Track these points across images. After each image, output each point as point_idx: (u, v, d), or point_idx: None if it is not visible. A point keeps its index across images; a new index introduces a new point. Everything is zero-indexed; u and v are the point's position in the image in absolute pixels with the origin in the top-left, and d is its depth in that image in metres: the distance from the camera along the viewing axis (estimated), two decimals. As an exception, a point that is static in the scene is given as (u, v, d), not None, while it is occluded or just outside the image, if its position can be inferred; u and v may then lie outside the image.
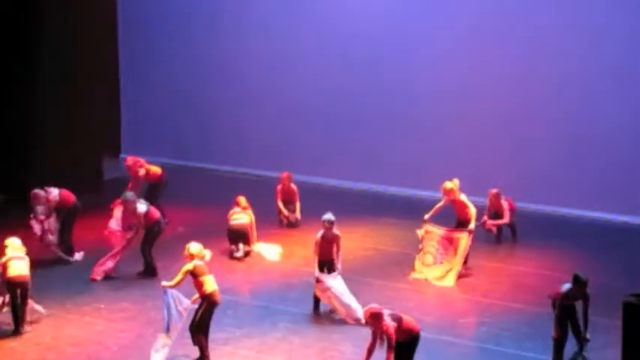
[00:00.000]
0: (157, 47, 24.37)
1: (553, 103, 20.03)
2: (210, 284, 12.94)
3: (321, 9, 22.37)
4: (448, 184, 16.58)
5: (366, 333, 13.89)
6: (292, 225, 18.91)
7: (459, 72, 20.76)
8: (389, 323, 11.74)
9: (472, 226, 16.28)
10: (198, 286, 12.90)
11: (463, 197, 16.50)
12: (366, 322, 11.94)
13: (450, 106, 20.91)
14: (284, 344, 13.67)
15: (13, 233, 18.63)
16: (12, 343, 13.78)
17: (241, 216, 17.56)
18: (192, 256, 12.98)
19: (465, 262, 16.57)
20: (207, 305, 12.90)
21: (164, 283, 13.15)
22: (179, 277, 12.96)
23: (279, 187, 19.07)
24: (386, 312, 11.87)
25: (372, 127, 21.84)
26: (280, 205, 19.04)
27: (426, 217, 16.55)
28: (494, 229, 17.86)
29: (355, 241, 18.12)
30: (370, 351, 11.87)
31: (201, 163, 23.77)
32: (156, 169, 19.27)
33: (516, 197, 18.34)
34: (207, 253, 13.22)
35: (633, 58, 19.25)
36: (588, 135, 19.71)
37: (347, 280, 15.94)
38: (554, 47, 19.88)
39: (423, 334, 13.76)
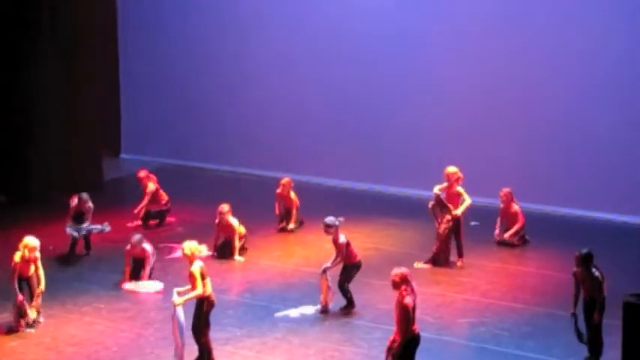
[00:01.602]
0: (156, 47, 24.36)
1: (553, 102, 20.03)
2: (209, 286, 12.92)
3: (321, 9, 22.36)
4: (451, 168, 16.68)
5: (365, 333, 13.97)
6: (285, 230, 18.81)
7: (459, 73, 20.75)
8: (409, 297, 11.57)
9: (458, 211, 16.52)
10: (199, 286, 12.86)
11: (460, 189, 16.62)
12: (393, 283, 11.71)
13: (451, 107, 20.91)
14: (284, 344, 13.67)
15: (13, 233, 18.73)
16: (12, 343, 13.78)
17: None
18: (191, 255, 12.90)
19: (461, 256, 16.76)
20: (208, 306, 12.88)
21: (178, 300, 12.71)
22: (199, 281, 12.65)
23: (277, 190, 18.99)
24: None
25: (372, 127, 21.83)
26: (277, 210, 18.93)
27: (437, 189, 16.75)
28: (515, 240, 17.86)
29: (356, 241, 17.98)
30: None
31: (201, 163, 23.76)
32: (163, 194, 19.18)
33: (516, 197, 18.32)
34: (203, 248, 13.15)
35: (633, 57, 19.24)
36: (588, 135, 19.70)
37: (347, 280, 16.06)
38: (554, 46, 19.88)
39: (423, 334, 13.79)
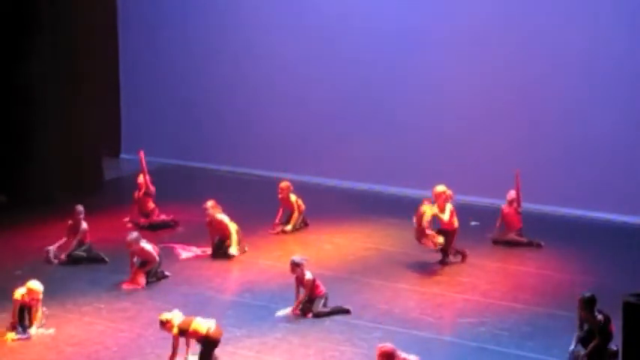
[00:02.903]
0: (157, 47, 24.36)
1: (553, 102, 20.02)
2: (202, 326, 12.72)
3: (322, 9, 22.36)
4: (439, 187, 16.66)
5: (365, 333, 13.96)
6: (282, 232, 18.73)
7: (459, 72, 20.74)
8: None
9: (439, 240, 16.42)
10: (192, 336, 12.72)
11: (449, 206, 16.56)
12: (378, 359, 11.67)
13: (451, 106, 20.90)
14: (284, 344, 13.66)
15: (13, 234, 18.70)
16: (12, 343, 13.77)
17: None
18: (169, 323, 12.70)
19: (464, 257, 16.78)
20: (209, 346, 12.71)
21: None
22: (174, 345, 12.61)
23: (279, 196, 18.85)
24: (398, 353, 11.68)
25: (372, 127, 21.82)
26: (279, 214, 18.84)
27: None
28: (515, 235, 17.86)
29: (356, 241, 18.12)
30: None
31: (201, 163, 23.75)
32: (150, 203, 19.15)
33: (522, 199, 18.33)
34: (178, 314, 12.93)
35: (633, 57, 19.23)
36: (588, 135, 19.69)
37: (347, 280, 16.03)
38: (553, 46, 19.87)
39: (423, 334, 13.82)
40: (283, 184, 18.82)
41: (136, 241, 15.94)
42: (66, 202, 18.56)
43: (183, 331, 12.68)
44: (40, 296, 14.09)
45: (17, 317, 14.00)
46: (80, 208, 17.10)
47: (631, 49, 19.23)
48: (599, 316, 12.55)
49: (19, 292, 14.07)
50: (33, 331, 14.00)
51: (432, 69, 21.13)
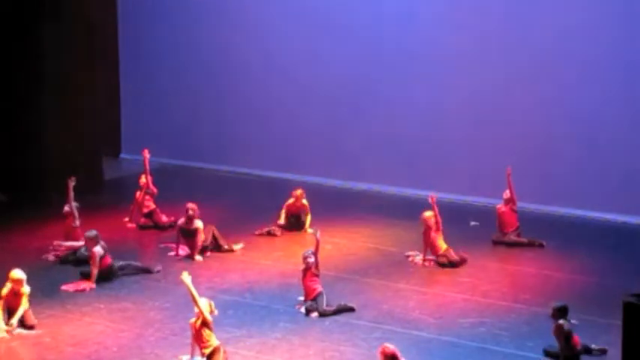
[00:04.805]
0: (157, 48, 24.35)
1: (553, 102, 20.03)
2: (215, 339, 12.68)
3: (321, 9, 22.35)
4: (427, 213, 16.71)
5: (365, 333, 13.96)
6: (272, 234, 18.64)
7: (458, 73, 20.74)
8: None
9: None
10: (207, 338, 12.64)
11: (434, 233, 16.64)
12: (384, 356, 11.61)
13: (450, 106, 20.90)
14: (284, 344, 13.66)
15: (13, 233, 18.69)
16: (12, 343, 13.78)
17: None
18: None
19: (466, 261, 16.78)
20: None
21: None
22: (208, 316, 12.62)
23: (289, 201, 18.71)
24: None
25: (372, 127, 21.82)
26: (283, 219, 18.75)
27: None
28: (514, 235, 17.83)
29: (356, 241, 18.11)
30: None
31: (201, 163, 23.75)
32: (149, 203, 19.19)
33: (516, 197, 18.31)
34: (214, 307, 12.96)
35: (633, 57, 19.23)
36: (588, 135, 19.70)
37: (347, 280, 16.04)
38: (554, 46, 19.88)
39: (423, 334, 13.82)
40: (298, 192, 18.72)
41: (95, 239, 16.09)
42: (64, 202, 18.56)
43: (209, 326, 12.55)
44: (25, 287, 14.04)
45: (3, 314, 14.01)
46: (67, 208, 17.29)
47: (631, 49, 19.23)
48: (566, 327, 12.64)
49: (6, 288, 14.06)
50: (13, 321, 13.93)
51: (432, 70, 21.11)
